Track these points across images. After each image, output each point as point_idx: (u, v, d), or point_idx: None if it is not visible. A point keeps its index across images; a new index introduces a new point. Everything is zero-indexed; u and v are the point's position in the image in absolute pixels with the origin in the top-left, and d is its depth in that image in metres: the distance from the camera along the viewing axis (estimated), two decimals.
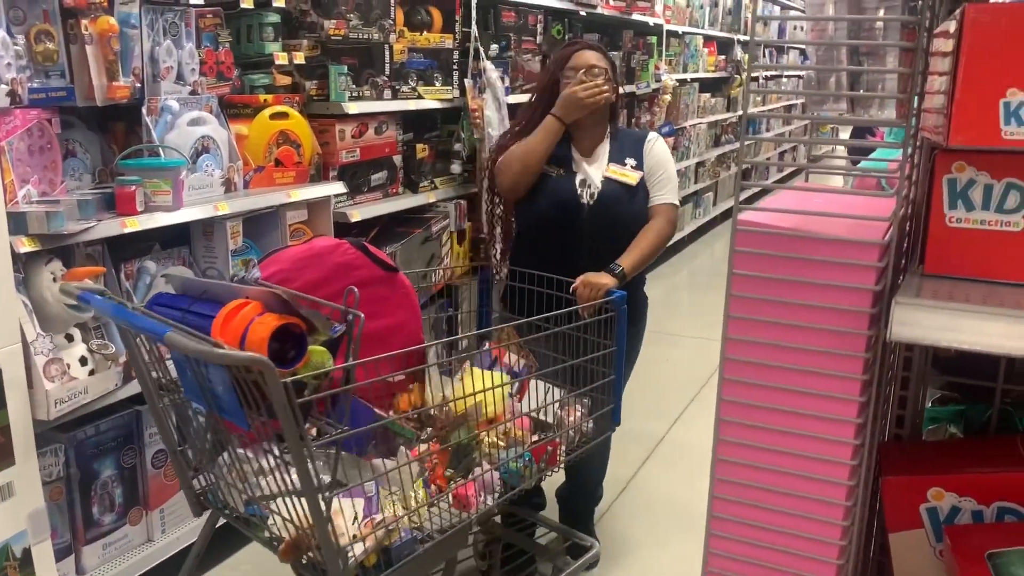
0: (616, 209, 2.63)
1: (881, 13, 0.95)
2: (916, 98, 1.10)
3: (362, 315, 1.59)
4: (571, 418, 2.15)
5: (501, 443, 1.98)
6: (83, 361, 2.36)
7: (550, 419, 2.12)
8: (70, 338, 2.36)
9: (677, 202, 2.75)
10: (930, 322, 0.91)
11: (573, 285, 2.42)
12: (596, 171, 2.68)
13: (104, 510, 2.55)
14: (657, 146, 2.75)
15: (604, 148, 2.74)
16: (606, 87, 2.63)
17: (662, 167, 2.72)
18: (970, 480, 1.18)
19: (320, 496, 1.54)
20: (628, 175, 2.67)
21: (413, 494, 1.77)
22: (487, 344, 2.22)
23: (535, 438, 2.05)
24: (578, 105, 2.61)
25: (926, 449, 1.35)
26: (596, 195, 2.63)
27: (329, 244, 2.11)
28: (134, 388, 2.52)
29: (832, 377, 1.01)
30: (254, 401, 1.47)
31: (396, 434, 1.90)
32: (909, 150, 1.04)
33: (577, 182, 2.66)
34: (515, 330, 2.21)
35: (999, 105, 0.92)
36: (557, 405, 2.13)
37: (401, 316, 2.16)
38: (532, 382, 2.14)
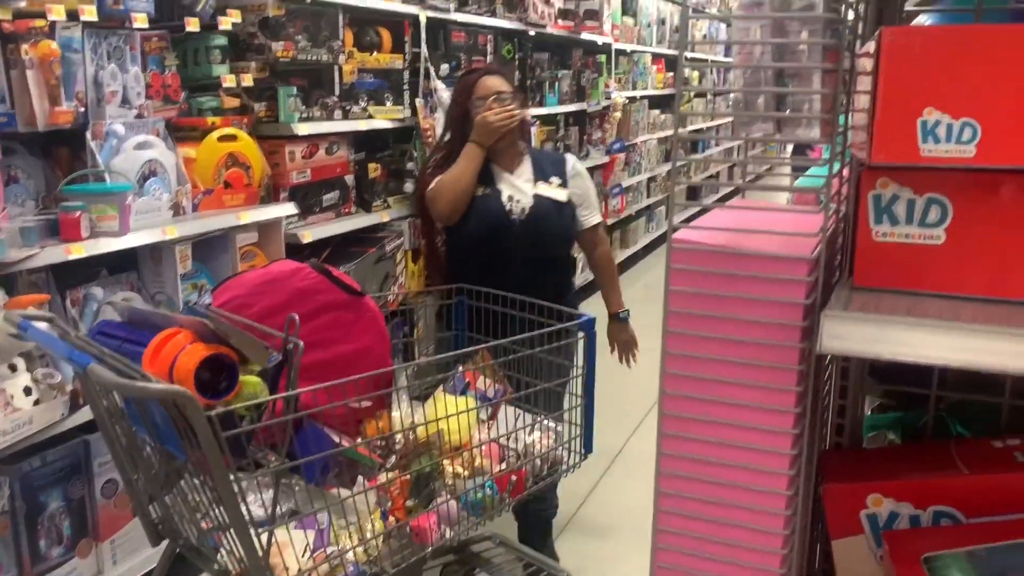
0: (547, 224, 2.73)
1: (804, 36, 0.98)
2: (845, 116, 1.14)
3: (301, 344, 1.55)
4: (539, 446, 2.09)
5: (464, 472, 1.92)
6: (27, 391, 2.31)
7: (519, 447, 2.06)
8: (13, 368, 2.31)
9: (599, 219, 2.95)
10: (858, 334, 0.94)
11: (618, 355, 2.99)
12: (522, 186, 2.77)
13: (52, 543, 2.49)
14: (580, 170, 2.89)
15: (526, 166, 2.83)
16: (516, 110, 2.75)
17: (587, 191, 2.89)
18: (907, 486, 1.21)
19: (253, 531, 1.50)
20: (557, 192, 2.79)
21: (370, 525, 1.71)
22: (459, 368, 2.20)
23: (501, 467, 2.01)
24: (492, 130, 2.71)
25: (865, 456, 1.38)
26: (527, 210, 2.72)
27: (288, 269, 2.07)
28: (81, 417, 2.48)
29: (768, 390, 1.04)
30: (187, 433, 1.45)
31: (356, 462, 1.86)
32: (838, 167, 1.08)
33: (504, 198, 2.74)
34: (490, 353, 2.19)
35: (917, 124, 0.96)
36: (525, 432, 2.07)
37: (367, 340, 2.12)
38: (503, 408, 2.09)
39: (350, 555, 1.66)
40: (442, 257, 2.94)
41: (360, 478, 1.81)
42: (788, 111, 1.02)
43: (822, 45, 0.98)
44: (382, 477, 1.82)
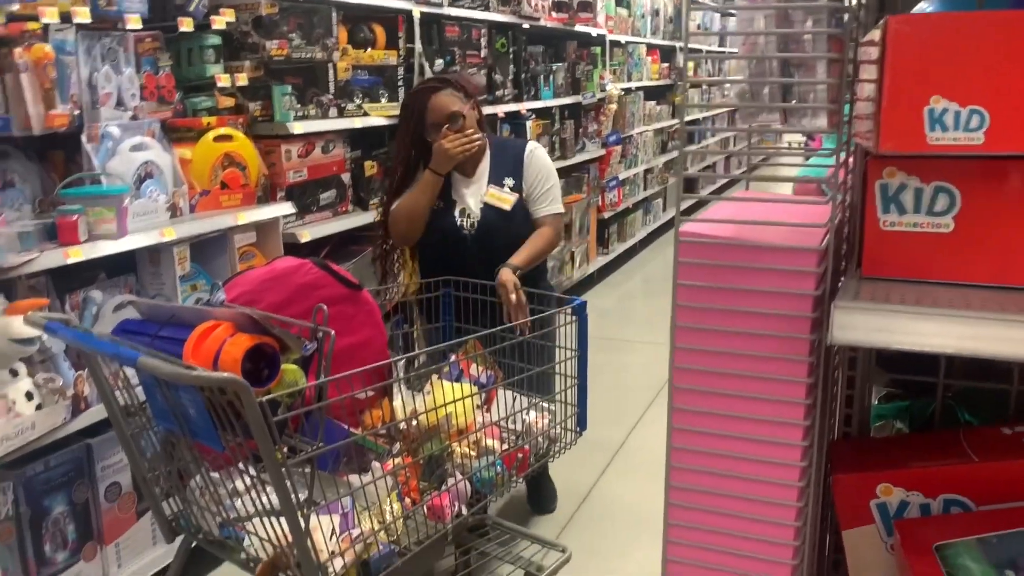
0: (496, 235, 2.74)
1: (808, 25, 0.98)
2: (848, 106, 1.13)
3: (332, 332, 1.61)
4: (539, 425, 2.19)
5: (472, 453, 2.01)
6: (29, 396, 2.30)
7: (519, 427, 2.17)
8: (15, 373, 2.30)
9: (561, 210, 2.87)
10: (868, 324, 0.93)
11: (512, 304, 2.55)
12: (476, 196, 2.78)
13: (57, 547, 2.49)
14: (535, 158, 2.82)
15: (485, 166, 2.83)
16: (475, 133, 2.72)
17: (541, 180, 2.81)
18: (917, 474, 1.21)
19: (300, 513, 1.55)
20: (504, 198, 2.77)
21: (388, 508, 1.79)
22: (452, 357, 2.26)
23: (504, 447, 2.09)
24: (451, 159, 2.71)
25: (874, 446, 1.38)
26: (476, 224, 2.76)
27: (291, 265, 2.12)
28: (84, 421, 2.47)
29: (778, 381, 1.04)
30: (228, 422, 1.47)
31: (368, 449, 1.91)
32: (843, 156, 1.07)
33: (457, 212, 2.78)
34: (479, 341, 2.26)
35: (923, 112, 0.95)
36: (525, 413, 2.18)
37: (367, 333, 2.18)
38: (499, 392, 2.19)
39: (381, 534, 1.75)
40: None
41: (376, 464, 1.86)
42: (794, 101, 1.01)
43: (827, 34, 0.97)
44: (395, 461, 1.89)
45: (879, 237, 1.04)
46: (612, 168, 7.11)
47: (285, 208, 3.22)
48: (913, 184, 1.03)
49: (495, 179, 2.80)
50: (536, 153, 2.85)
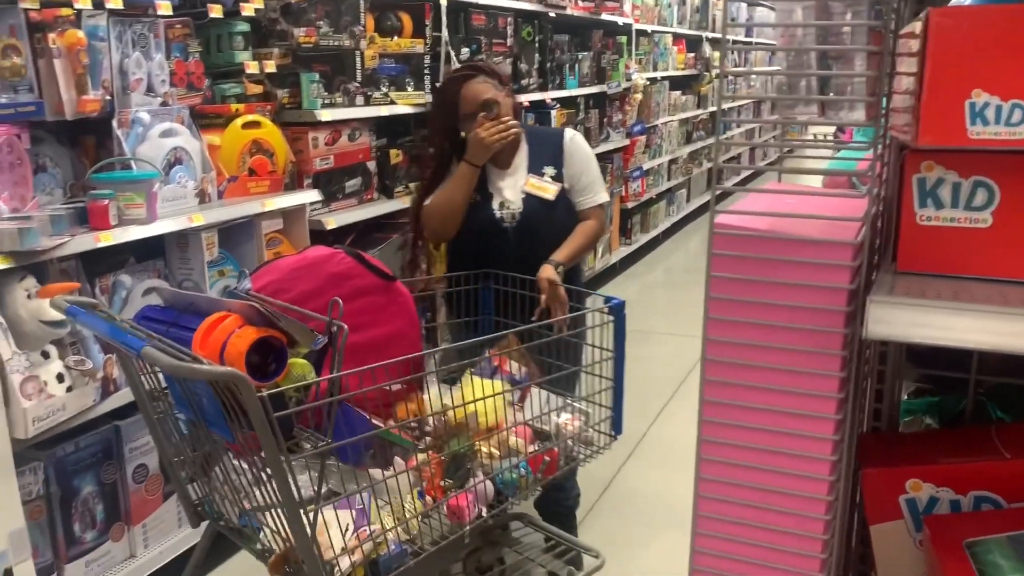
0: (539, 227, 2.59)
1: (848, 17, 0.97)
2: (886, 98, 1.12)
3: (346, 327, 1.58)
4: (570, 427, 2.11)
5: (497, 452, 1.95)
6: (60, 378, 2.34)
7: (550, 428, 2.10)
8: (46, 355, 2.33)
9: (606, 198, 2.73)
10: (904, 319, 0.93)
11: (542, 303, 2.41)
12: (514, 187, 2.64)
13: (86, 527, 2.53)
14: (576, 146, 2.68)
15: (522, 156, 2.68)
16: (511, 120, 2.58)
17: (584, 171, 2.67)
18: (947, 470, 1.20)
19: (302, 510, 1.54)
20: (546, 188, 2.62)
21: (408, 505, 1.75)
22: (487, 352, 2.18)
23: (532, 448, 2.02)
24: (488, 148, 2.56)
25: (904, 441, 1.38)
26: (518, 215, 2.61)
27: (323, 254, 2.10)
28: (112, 403, 2.50)
29: (811, 375, 1.03)
30: (236, 414, 1.47)
31: (393, 444, 1.89)
32: (879, 150, 1.06)
33: (496, 205, 2.63)
34: (516, 337, 2.20)
35: (965, 106, 0.94)
36: (555, 414, 2.10)
37: (399, 324, 2.16)
38: (533, 390, 2.12)
39: (391, 534, 1.70)
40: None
41: (398, 459, 1.84)
42: (831, 94, 1.00)
43: (866, 27, 0.96)
44: (420, 457, 1.86)
45: (915, 231, 1.03)
46: (636, 158, 7.08)
47: (312, 195, 3.24)
48: (951, 179, 1.02)
49: (534, 168, 2.65)
50: (576, 140, 2.71)
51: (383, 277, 2.15)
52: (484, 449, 1.93)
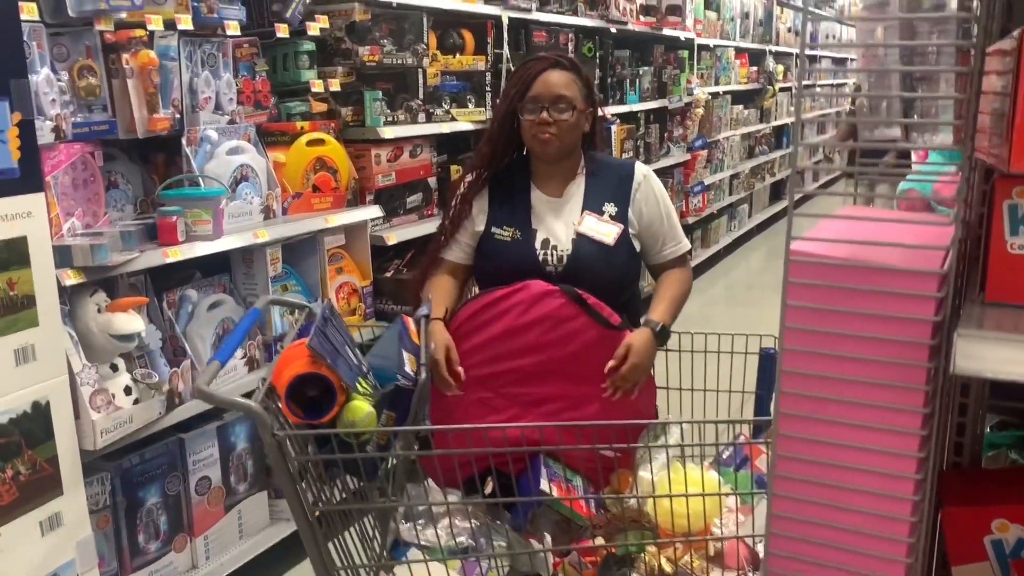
0: (591, 276, 2.05)
1: (935, 38, 0.93)
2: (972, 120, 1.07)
3: (424, 375, 1.55)
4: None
5: (667, 568, 1.57)
6: (127, 390, 2.38)
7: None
8: (115, 368, 2.38)
9: (688, 245, 2.25)
10: (995, 355, 0.88)
11: (610, 367, 1.97)
12: (564, 225, 2.12)
13: (149, 537, 2.57)
14: (651, 187, 2.17)
15: (578, 186, 2.16)
16: (569, 122, 2.07)
17: (665, 216, 2.17)
18: None
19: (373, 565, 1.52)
20: (604, 231, 2.10)
21: None
22: (740, 436, 1.85)
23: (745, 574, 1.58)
24: (440, 379, 1.96)
25: (988, 478, 1.31)
26: (566, 259, 2.07)
27: (539, 291, 1.97)
28: (178, 416, 2.54)
29: (892, 410, 0.98)
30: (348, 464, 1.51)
31: (566, 517, 1.72)
32: (968, 174, 1.01)
33: (538, 243, 2.10)
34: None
35: None
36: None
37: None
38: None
39: None
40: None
41: (546, 535, 1.67)
42: (915, 116, 0.96)
43: (954, 47, 0.92)
44: (597, 540, 1.66)
45: (1006, 261, 0.98)
46: (697, 173, 7.00)
47: (373, 211, 3.26)
48: None
49: (592, 203, 2.13)
50: (650, 180, 2.18)
51: (607, 326, 1.97)
52: (653, 561, 1.57)
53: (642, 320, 2.05)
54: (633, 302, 2.20)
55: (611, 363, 1.95)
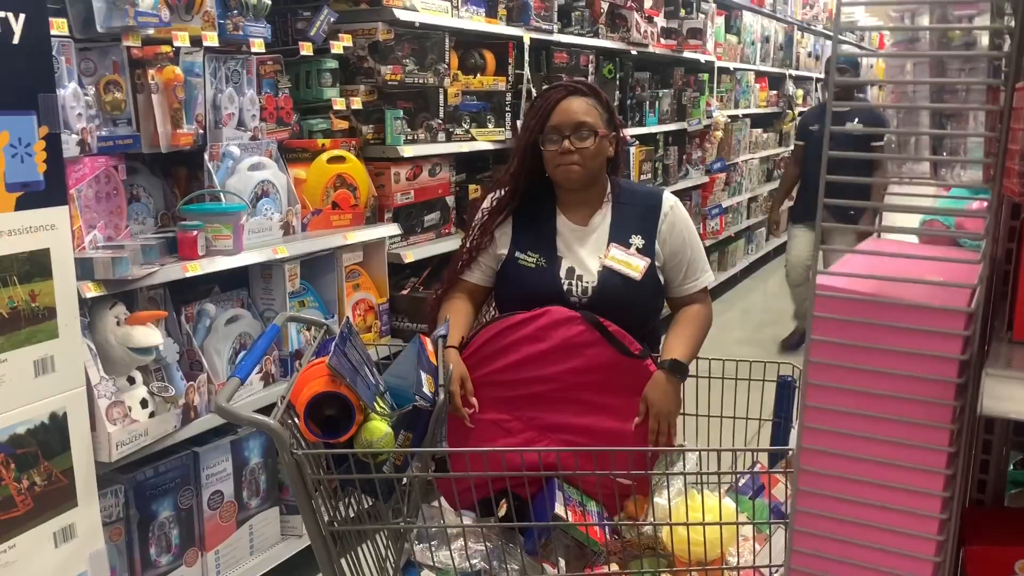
0: (615, 309, 2.00)
1: (964, 75, 0.92)
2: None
3: (442, 396, 1.55)
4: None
5: None
6: (144, 403, 2.39)
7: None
8: (132, 381, 2.39)
9: (712, 278, 2.21)
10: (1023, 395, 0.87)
11: (636, 425, 1.93)
12: (591, 255, 2.08)
13: (161, 551, 2.56)
14: (677, 217, 2.12)
15: (604, 217, 2.12)
16: (590, 150, 2.03)
17: (689, 245, 2.13)
18: None
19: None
20: (631, 264, 2.05)
21: None
22: (757, 464, 1.83)
23: None
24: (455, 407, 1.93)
25: (1011, 516, 1.29)
26: (591, 291, 2.04)
27: (559, 317, 1.95)
28: (193, 430, 2.55)
29: (917, 448, 0.97)
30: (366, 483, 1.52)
31: (580, 542, 1.71)
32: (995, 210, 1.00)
33: (563, 272, 2.06)
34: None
35: None
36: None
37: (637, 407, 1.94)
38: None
39: None
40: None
41: (561, 560, 1.67)
42: (944, 153, 0.95)
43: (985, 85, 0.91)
44: (612, 567, 1.66)
45: None
46: (715, 196, 6.99)
47: (392, 229, 3.27)
48: None
49: (618, 235, 2.08)
50: (677, 209, 2.14)
51: (626, 353, 1.93)
52: None
53: (658, 360, 1.98)
54: (655, 332, 2.17)
55: (637, 420, 1.92)
